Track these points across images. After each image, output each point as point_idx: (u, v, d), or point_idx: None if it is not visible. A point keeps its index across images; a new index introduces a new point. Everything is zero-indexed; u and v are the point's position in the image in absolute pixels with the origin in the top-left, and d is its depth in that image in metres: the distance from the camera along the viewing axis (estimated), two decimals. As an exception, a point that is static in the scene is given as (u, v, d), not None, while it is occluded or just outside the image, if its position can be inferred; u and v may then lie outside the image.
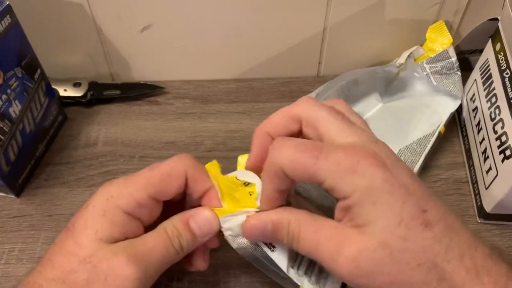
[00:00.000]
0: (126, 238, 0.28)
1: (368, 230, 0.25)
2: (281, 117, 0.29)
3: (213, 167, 0.31)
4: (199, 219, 0.29)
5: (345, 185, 0.25)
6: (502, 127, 0.38)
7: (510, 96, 0.37)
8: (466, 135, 0.45)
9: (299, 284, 0.30)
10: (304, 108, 0.28)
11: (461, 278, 0.24)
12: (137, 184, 0.29)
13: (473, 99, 0.44)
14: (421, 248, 0.24)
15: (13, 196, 0.42)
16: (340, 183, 0.25)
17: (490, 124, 0.40)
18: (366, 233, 0.25)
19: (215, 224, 0.29)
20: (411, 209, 0.25)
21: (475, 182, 0.42)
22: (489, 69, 0.41)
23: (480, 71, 0.43)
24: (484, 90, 0.42)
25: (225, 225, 0.30)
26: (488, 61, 0.41)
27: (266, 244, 0.30)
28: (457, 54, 0.47)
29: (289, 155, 0.26)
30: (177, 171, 0.29)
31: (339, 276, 0.26)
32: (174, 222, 0.29)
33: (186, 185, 0.30)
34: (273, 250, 0.29)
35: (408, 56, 0.47)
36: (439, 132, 0.44)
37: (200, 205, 0.30)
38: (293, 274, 0.30)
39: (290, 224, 0.27)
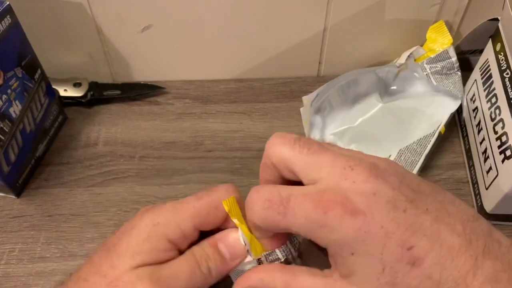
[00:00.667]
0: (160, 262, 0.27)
1: (355, 281, 0.24)
2: (264, 172, 0.28)
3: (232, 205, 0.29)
4: (228, 242, 0.29)
5: (319, 238, 0.24)
6: (503, 127, 0.38)
7: (511, 96, 0.37)
8: (466, 135, 0.45)
9: None
10: (272, 153, 0.27)
11: None
12: (184, 214, 0.28)
13: (473, 99, 0.44)
14: None
15: (13, 196, 0.42)
16: (314, 237, 0.25)
17: (490, 124, 0.40)
18: (353, 284, 0.24)
19: (243, 247, 0.29)
20: (393, 252, 0.23)
21: (475, 182, 0.42)
22: (489, 69, 0.41)
23: (480, 71, 0.43)
24: (484, 90, 0.42)
25: None
26: (488, 61, 0.41)
27: None
28: (457, 54, 0.47)
29: (258, 213, 0.26)
30: (221, 206, 0.28)
31: None
32: (203, 246, 0.29)
33: None
34: None
35: (408, 56, 0.47)
36: (439, 132, 0.44)
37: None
38: None
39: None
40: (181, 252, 0.28)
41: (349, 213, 0.23)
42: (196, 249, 0.28)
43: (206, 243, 0.29)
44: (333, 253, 0.25)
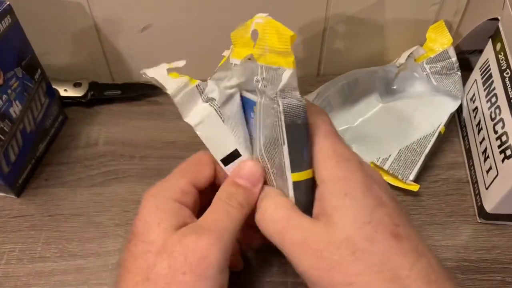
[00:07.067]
0: (186, 224, 0.28)
1: (335, 221, 0.25)
2: None
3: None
4: (243, 174, 0.30)
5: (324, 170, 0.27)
6: (503, 127, 0.38)
7: (510, 96, 0.37)
8: (466, 135, 0.45)
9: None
10: None
11: None
12: (175, 175, 0.30)
13: (473, 99, 0.44)
14: (385, 255, 0.24)
15: (14, 196, 0.42)
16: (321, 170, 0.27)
17: (490, 124, 0.40)
18: (333, 225, 0.25)
19: (259, 171, 0.30)
20: (383, 216, 0.25)
21: (475, 182, 0.42)
22: (489, 69, 0.41)
23: (480, 71, 0.43)
24: (484, 90, 0.42)
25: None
26: (488, 61, 0.41)
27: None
28: (457, 54, 0.47)
29: None
30: (205, 159, 0.31)
31: (300, 265, 0.26)
32: (224, 188, 0.30)
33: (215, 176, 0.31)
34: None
35: (408, 56, 0.47)
36: (439, 132, 0.44)
37: None
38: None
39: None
40: (193, 211, 0.30)
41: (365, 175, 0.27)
42: (219, 193, 0.30)
43: (225, 185, 0.30)
44: (326, 188, 0.27)
